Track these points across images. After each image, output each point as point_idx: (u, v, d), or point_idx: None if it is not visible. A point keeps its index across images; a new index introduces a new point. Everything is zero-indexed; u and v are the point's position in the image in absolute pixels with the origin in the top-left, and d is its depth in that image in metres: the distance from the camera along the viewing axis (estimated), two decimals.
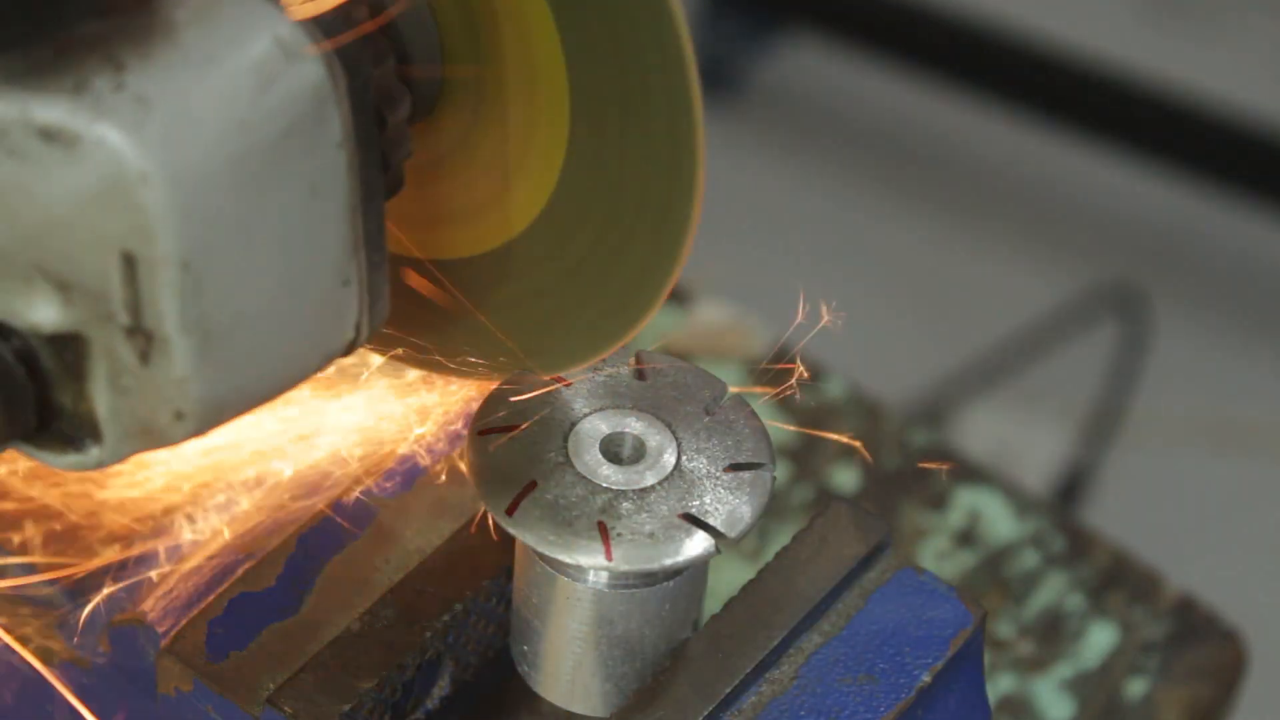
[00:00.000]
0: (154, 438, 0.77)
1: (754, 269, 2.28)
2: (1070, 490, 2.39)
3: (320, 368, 0.81)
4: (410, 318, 0.88)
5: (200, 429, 0.77)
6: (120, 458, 0.78)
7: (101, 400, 0.76)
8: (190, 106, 0.72)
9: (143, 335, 0.74)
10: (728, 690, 0.84)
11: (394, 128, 0.80)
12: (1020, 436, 2.46)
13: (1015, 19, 2.78)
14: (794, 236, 2.70)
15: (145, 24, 0.73)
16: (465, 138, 0.86)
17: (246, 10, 0.74)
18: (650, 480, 0.84)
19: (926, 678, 0.85)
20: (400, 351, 0.90)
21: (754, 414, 0.88)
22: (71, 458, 0.78)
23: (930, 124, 2.87)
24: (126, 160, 0.71)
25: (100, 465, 0.78)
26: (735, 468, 0.85)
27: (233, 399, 0.78)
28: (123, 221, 0.72)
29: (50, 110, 0.71)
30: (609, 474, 0.84)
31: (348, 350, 0.81)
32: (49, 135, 0.71)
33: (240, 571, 0.88)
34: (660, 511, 0.83)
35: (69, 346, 0.75)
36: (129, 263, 0.73)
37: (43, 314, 0.74)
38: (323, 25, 0.76)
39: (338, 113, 0.76)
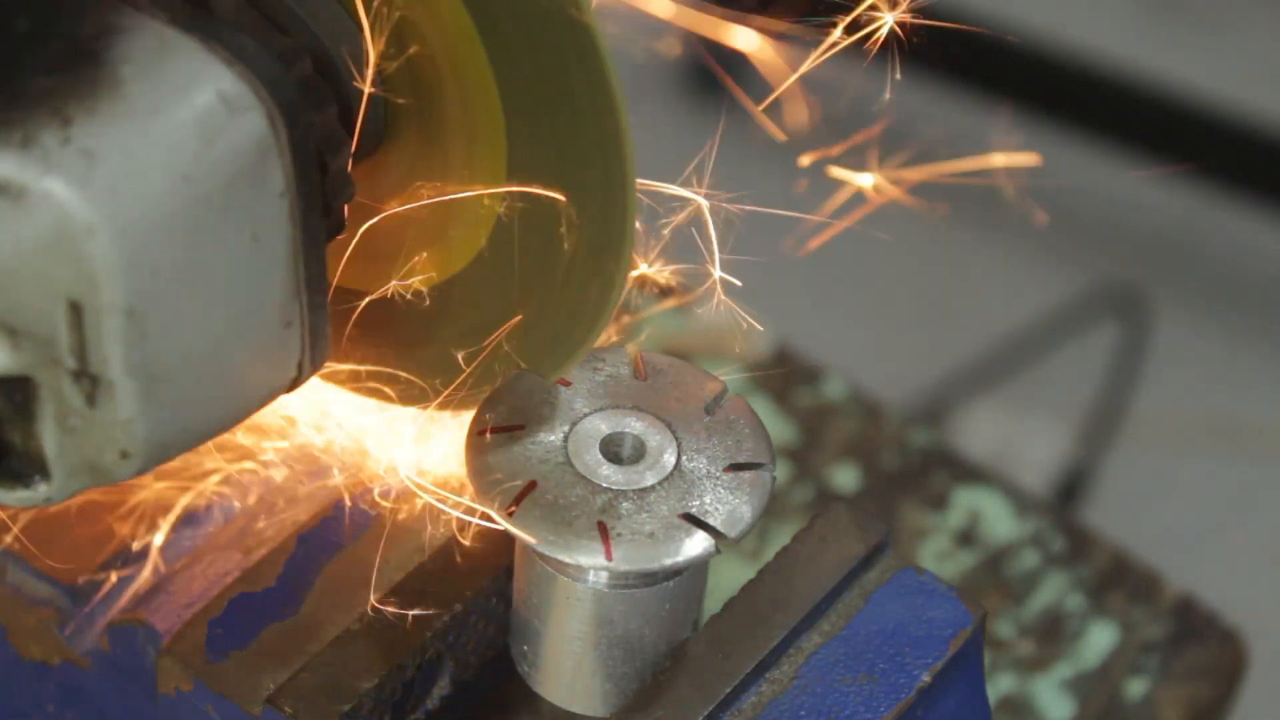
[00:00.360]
0: (101, 475, 0.79)
1: (754, 269, 2.27)
2: (1070, 490, 2.39)
3: (263, 405, 0.83)
4: (361, 350, 0.89)
5: (146, 467, 0.79)
6: (68, 494, 0.79)
7: (49, 439, 0.77)
8: (135, 160, 0.74)
9: (89, 379, 0.76)
10: (728, 690, 0.84)
11: (335, 173, 0.81)
12: (1020, 436, 2.46)
13: (1016, 18, 2.78)
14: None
15: (92, 79, 0.74)
16: (409, 177, 0.87)
17: (190, 65, 0.76)
18: (650, 480, 0.84)
19: (926, 678, 0.85)
20: (352, 383, 0.90)
21: (754, 414, 0.88)
22: (20, 494, 0.79)
23: (929, 123, 2.86)
24: (73, 212, 0.73)
25: (49, 502, 0.79)
26: (735, 468, 0.85)
27: (178, 438, 0.80)
28: (69, 271, 0.74)
29: None
30: (609, 474, 0.84)
31: (291, 388, 0.83)
32: None
33: (240, 571, 0.88)
34: (660, 511, 0.83)
35: (18, 388, 0.77)
36: (75, 310, 0.74)
37: None
38: (264, 77, 0.77)
39: (280, 163, 0.77)
